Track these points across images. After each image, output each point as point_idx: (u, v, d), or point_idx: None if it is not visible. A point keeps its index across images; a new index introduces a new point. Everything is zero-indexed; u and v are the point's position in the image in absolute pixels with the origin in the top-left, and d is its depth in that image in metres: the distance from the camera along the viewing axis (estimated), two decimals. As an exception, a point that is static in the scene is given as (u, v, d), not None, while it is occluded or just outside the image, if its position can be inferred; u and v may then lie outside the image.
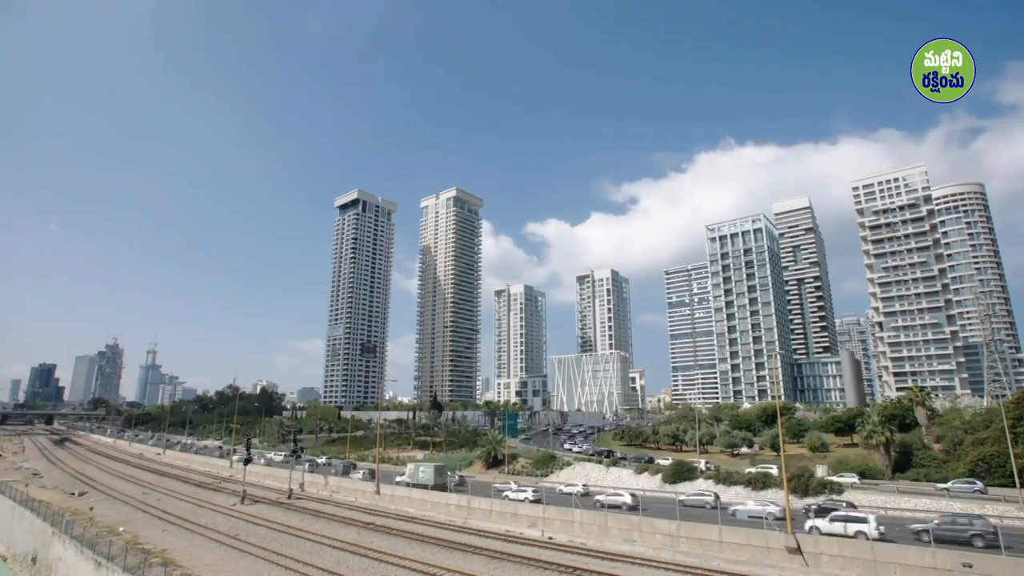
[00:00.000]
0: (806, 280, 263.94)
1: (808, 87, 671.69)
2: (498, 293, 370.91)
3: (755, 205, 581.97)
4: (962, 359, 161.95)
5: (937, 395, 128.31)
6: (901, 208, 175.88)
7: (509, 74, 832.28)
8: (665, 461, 71.76)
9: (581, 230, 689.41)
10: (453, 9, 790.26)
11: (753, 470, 60.14)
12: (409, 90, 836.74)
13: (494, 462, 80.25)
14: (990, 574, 26.72)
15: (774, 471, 58.54)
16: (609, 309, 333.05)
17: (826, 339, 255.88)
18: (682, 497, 49.41)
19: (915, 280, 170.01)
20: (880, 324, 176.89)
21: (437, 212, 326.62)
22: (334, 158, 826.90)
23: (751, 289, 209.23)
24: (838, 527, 36.19)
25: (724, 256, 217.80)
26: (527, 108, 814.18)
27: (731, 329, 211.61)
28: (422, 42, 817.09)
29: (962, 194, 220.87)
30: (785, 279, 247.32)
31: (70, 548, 35.44)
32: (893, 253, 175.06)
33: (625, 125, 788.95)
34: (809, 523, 38.34)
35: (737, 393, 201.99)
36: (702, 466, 64.54)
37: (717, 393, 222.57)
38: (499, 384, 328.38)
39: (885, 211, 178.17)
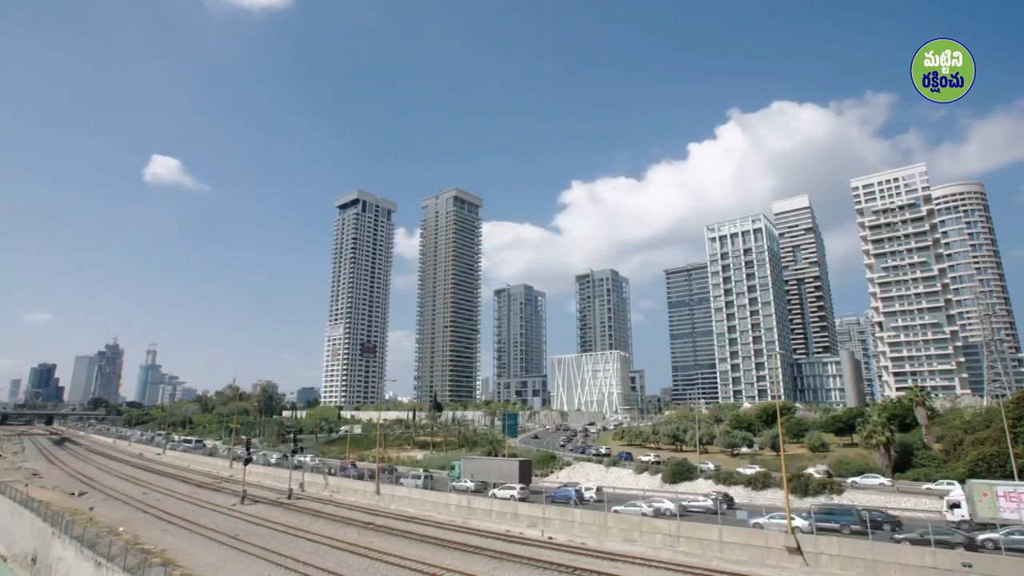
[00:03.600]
0: (806, 280, 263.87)
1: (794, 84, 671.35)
2: (498, 293, 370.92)
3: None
4: (962, 359, 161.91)
5: (937, 395, 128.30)
6: (901, 208, 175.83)
7: (509, 72, 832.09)
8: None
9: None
10: (451, 9, 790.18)
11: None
12: (410, 89, 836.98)
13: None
14: (990, 574, 26.73)
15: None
16: (609, 309, 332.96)
17: (826, 339, 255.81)
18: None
19: (915, 280, 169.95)
20: (880, 324, 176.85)
21: (437, 212, 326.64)
22: (334, 158, 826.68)
23: (751, 289, 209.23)
24: None
25: (724, 256, 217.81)
26: (528, 107, 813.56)
27: (731, 329, 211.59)
28: (421, 42, 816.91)
29: (962, 194, 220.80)
30: (785, 279, 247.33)
31: (70, 548, 35.46)
32: (893, 253, 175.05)
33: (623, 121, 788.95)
34: None
35: (737, 393, 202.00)
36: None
37: (717, 393, 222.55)
38: (499, 384, 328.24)
39: (885, 211, 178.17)
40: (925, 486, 52.50)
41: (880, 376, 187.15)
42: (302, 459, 79.99)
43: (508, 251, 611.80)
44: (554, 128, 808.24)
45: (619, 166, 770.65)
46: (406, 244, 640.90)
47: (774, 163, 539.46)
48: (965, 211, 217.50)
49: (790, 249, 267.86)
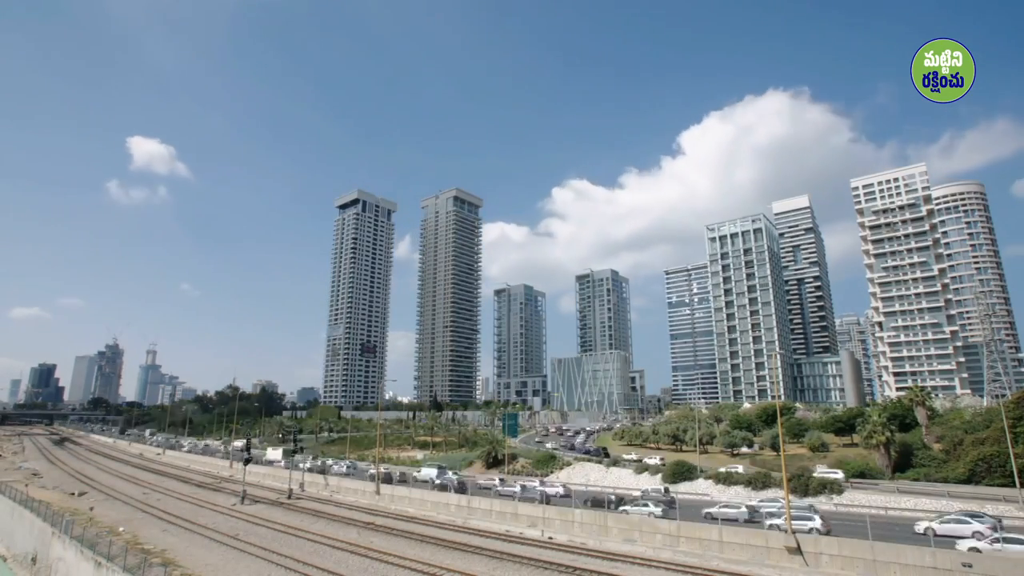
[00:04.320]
0: (806, 280, 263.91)
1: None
2: (498, 293, 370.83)
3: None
4: (962, 359, 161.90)
5: (937, 395, 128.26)
6: (901, 208, 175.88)
7: (510, 70, 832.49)
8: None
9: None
10: (451, 9, 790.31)
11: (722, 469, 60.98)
12: (410, 89, 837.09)
13: (494, 462, 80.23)
14: (990, 574, 26.73)
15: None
16: (609, 309, 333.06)
17: (826, 339, 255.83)
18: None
19: (915, 280, 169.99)
20: (880, 324, 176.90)
21: (437, 212, 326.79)
22: (334, 158, 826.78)
23: (751, 289, 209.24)
24: None
25: (724, 256, 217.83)
26: (527, 104, 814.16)
27: (731, 329, 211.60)
28: (420, 40, 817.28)
29: (962, 194, 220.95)
30: (785, 279, 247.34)
31: (70, 548, 35.46)
32: (893, 253, 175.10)
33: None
34: None
35: (737, 393, 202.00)
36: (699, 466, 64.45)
37: (717, 393, 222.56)
38: (499, 384, 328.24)
39: (885, 211, 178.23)
40: None
41: (880, 376, 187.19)
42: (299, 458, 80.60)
43: (494, 249, 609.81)
44: (545, 126, 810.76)
45: (601, 166, 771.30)
46: (406, 244, 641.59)
47: (763, 161, 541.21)
48: (965, 211, 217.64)
49: (790, 249, 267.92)
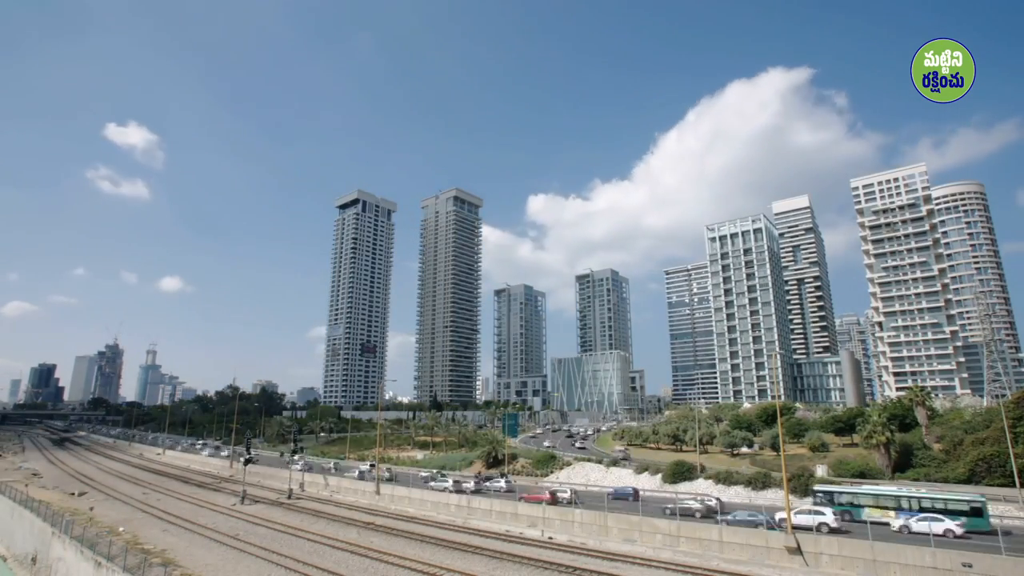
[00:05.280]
0: (806, 280, 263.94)
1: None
2: (498, 293, 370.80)
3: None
4: (962, 359, 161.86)
5: (937, 395, 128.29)
6: (901, 208, 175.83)
7: (511, 68, 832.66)
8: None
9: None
10: (454, 6, 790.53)
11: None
12: (409, 88, 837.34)
13: (494, 462, 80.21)
14: (990, 574, 26.74)
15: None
16: (609, 309, 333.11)
17: (826, 339, 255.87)
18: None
19: (915, 280, 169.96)
20: (880, 324, 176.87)
21: (437, 212, 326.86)
22: (334, 158, 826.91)
23: (751, 289, 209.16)
24: None
25: (724, 256, 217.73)
26: (528, 103, 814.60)
27: (731, 329, 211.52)
28: (421, 40, 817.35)
29: (962, 194, 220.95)
30: (785, 279, 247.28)
31: (70, 548, 35.46)
32: (893, 253, 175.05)
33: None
34: None
35: (737, 393, 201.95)
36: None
37: (717, 393, 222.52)
38: (499, 384, 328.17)
39: (885, 211, 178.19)
40: None
41: (880, 376, 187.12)
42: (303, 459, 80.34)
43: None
44: (532, 127, 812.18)
45: (580, 169, 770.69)
46: (406, 244, 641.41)
47: (754, 155, 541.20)
48: (965, 211, 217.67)
49: (790, 249, 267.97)
